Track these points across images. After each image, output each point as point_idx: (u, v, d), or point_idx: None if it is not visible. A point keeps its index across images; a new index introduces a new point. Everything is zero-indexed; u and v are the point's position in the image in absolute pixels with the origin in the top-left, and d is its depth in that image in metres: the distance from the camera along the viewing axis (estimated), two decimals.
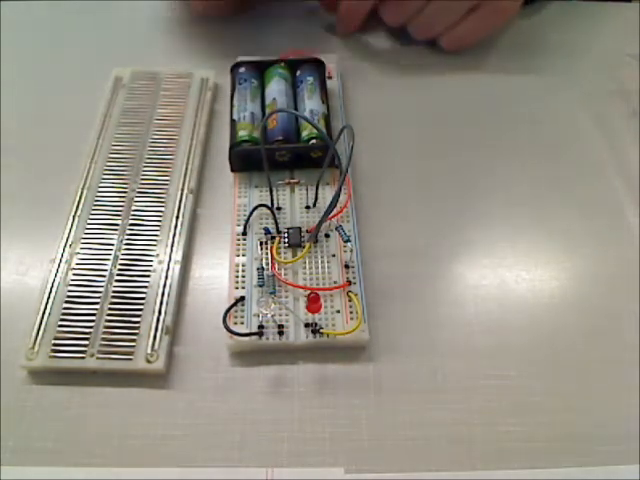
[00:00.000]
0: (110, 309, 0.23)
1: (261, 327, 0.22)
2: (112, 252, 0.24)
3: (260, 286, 0.23)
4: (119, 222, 0.25)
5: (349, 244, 0.24)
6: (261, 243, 0.24)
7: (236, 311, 0.23)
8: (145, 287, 0.23)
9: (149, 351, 0.22)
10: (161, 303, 0.23)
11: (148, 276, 0.24)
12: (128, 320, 0.22)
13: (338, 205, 0.24)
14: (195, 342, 0.23)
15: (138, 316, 0.23)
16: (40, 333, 0.22)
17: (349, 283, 0.23)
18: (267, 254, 0.24)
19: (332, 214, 0.24)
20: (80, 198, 0.26)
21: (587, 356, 0.23)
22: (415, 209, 0.27)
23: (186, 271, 0.24)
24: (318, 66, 0.29)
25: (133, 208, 0.26)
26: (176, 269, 0.24)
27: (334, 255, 0.24)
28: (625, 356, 0.22)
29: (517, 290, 0.24)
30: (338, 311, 0.23)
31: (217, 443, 0.21)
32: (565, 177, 0.28)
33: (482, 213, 0.27)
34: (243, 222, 0.25)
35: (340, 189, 0.22)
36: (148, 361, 0.22)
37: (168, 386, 0.22)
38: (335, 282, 0.23)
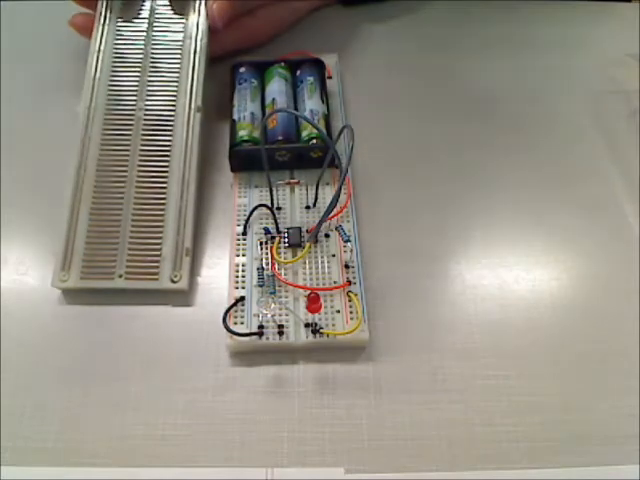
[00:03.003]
0: (132, 232, 0.24)
1: (261, 327, 0.22)
2: (127, 176, 0.25)
3: (260, 286, 0.23)
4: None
5: (349, 244, 0.24)
6: (261, 243, 0.24)
7: (236, 311, 0.23)
8: (162, 211, 0.25)
9: (172, 272, 0.24)
10: (179, 226, 0.24)
11: (164, 199, 0.25)
12: (151, 243, 0.24)
13: (338, 205, 0.24)
14: (195, 342, 0.23)
15: (159, 238, 0.24)
16: (69, 257, 0.24)
17: (349, 283, 0.23)
18: (267, 254, 0.24)
19: (332, 214, 0.24)
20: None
21: (587, 356, 0.23)
22: (415, 209, 0.27)
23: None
24: (318, 66, 0.29)
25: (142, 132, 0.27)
26: (191, 189, 0.25)
27: (334, 255, 0.24)
28: (625, 356, 0.22)
29: (517, 290, 0.24)
30: (338, 311, 0.23)
31: (217, 443, 0.21)
32: (565, 177, 0.28)
33: (482, 213, 0.27)
34: (243, 222, 0.25)
35: (340, 189, 0.22)
36: (172, 281, 0.23)
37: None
38: (335, 282, 0.23)
